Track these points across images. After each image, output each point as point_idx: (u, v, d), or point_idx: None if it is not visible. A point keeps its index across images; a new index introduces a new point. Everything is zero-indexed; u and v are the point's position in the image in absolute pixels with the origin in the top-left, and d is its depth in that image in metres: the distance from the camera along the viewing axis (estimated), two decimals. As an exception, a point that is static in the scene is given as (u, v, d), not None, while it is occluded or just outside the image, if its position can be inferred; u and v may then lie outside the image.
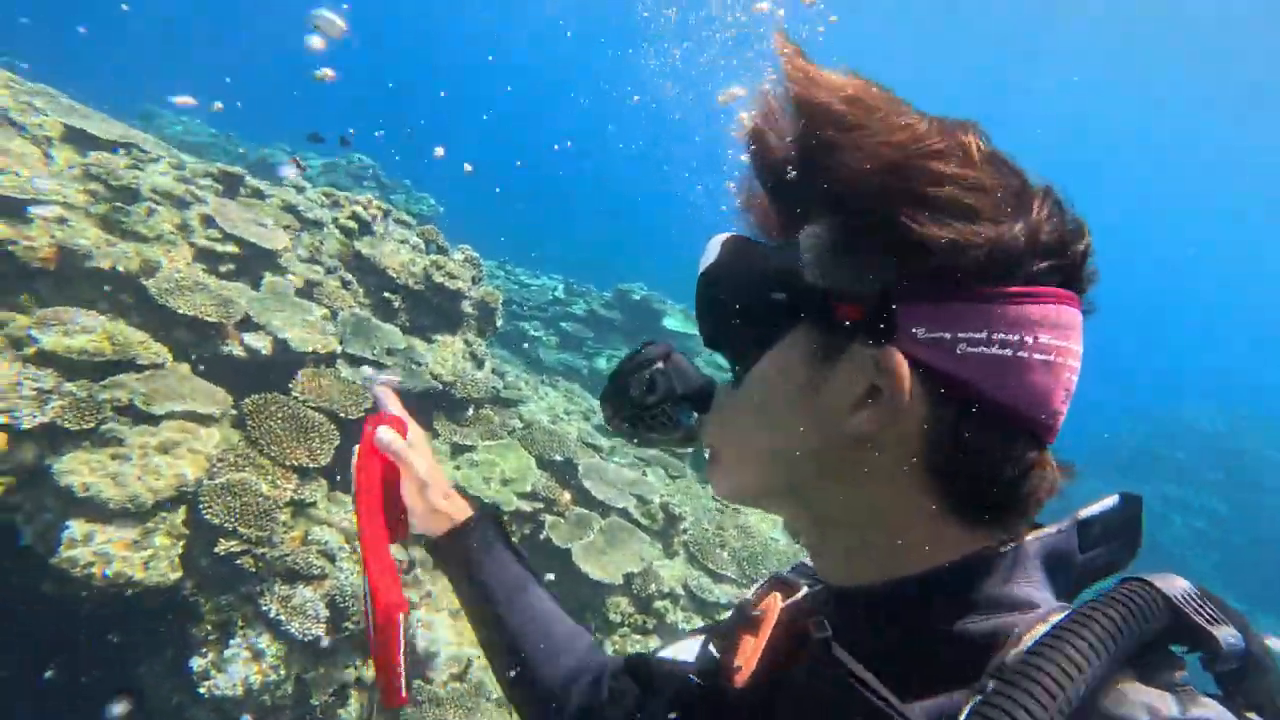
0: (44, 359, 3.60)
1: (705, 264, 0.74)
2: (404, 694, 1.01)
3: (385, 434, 1.15)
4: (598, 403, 0.97)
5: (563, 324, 11.38)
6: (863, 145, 0.61)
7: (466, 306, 5.71)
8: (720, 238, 0.75)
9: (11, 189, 4.16)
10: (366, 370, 4.84)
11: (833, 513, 0.69)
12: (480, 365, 5.59)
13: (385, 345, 5.26)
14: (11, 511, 3.30)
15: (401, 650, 0.98)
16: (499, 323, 6.06)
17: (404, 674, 0.99)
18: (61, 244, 4.09)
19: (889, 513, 0.65)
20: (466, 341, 5.62)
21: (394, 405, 1.25)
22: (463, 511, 1.20)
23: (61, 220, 4.28)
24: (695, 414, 0.86)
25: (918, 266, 0.60)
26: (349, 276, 5.60)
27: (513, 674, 1.10)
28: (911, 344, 0.60)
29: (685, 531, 5.69)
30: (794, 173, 0.67)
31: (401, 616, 0.97)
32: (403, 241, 6.16)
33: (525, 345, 10.83)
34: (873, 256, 0.61)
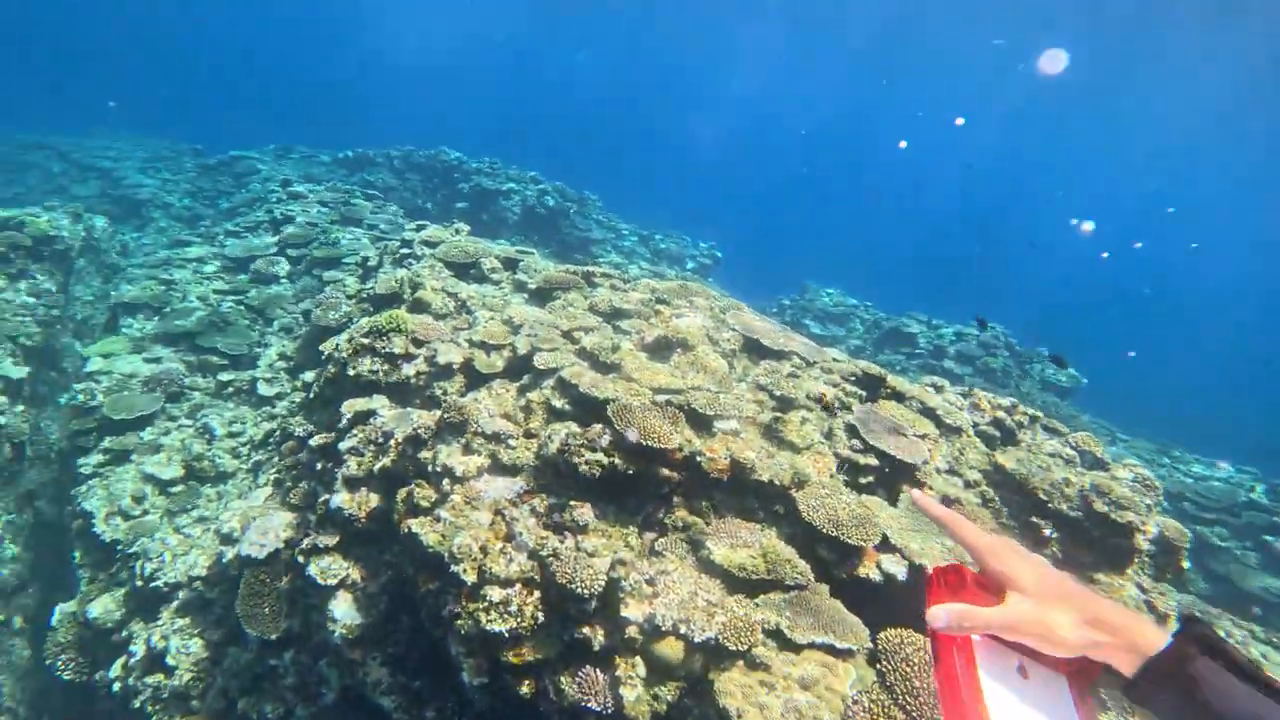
0: (712, 568, 3.98)
1: None
2: None
3: (934, 615, 0.93)
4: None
5: (1267, 537, 8.75)
6: None
7: (1140, 540, 4.65)
8: None
9: (703, 405, 4.89)
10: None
11: None
12: (1162, 620, 4.42)
13: (1032, 573, 4.59)
14: (684, 713, 3.60)
15: None
16: (1186, 565, 4.79)
17: None
18: (734, 456, 4.58)
19: None
20: (1141, 587, 4.55)
21: (969, 534, 0.99)
22: (1148, 637, 0.87)
23: (735, 433, 4.85)
24: None
25: None
26: (990, 492, 5.13)
27: None
28: None
29: None
30: None
31: None
32: (1053, 455, 5.45)
33: (1208, 560, 8.60)
34: None
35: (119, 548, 5.71)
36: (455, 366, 5.42)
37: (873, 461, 4.95)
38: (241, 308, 9.26)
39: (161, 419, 6.85)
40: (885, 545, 4.39)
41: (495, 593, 3.75)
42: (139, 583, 5.21)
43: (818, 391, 5.51)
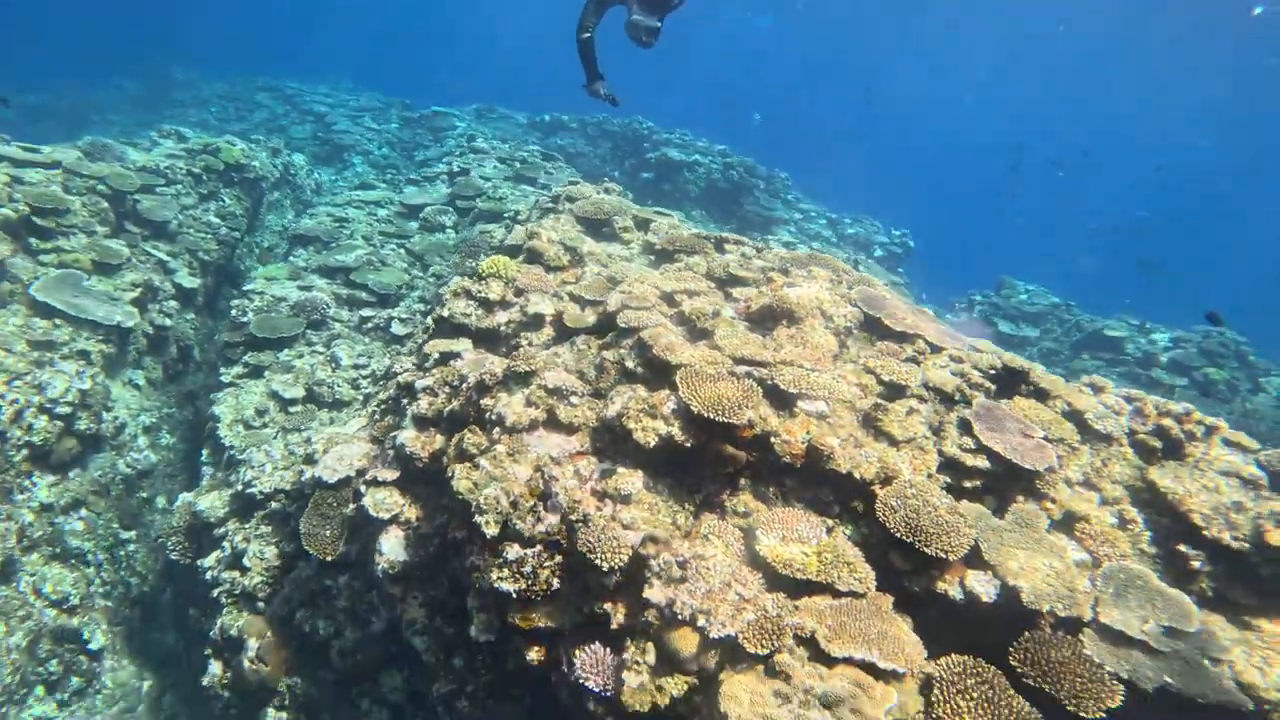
0: (757, 562, 3.59)
1: None
2: None
3: None
4: None
5: None
6: None
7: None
8: None
9: (789, 383, 4.43)
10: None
11: None
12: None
13: (1165, 618, 3.79)
14: (690, 712, 3.29)
15: None
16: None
17: None
18: (812, 441, 4.11)
19: None
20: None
21: None
22: None
23: (822, 415, 4.35)
24: None
25: None
26: (1131, 513, 4.30)
27: None
28: None
29: None
30: None
31: None
32: (1227, 474, 4.49)
33: None
34: None
35: (231, 452, 6.20)
36: (546, 318, 5.28)
37: (982, 464, 4.29)
38: (402, 250, 9.71)
39: (300, 343, 7.34)
40: (976, 559, 3.79)
41: (513, 550, 3.60)
42: (239, 487, 5.63)
43: (937, 380, 4.86)
